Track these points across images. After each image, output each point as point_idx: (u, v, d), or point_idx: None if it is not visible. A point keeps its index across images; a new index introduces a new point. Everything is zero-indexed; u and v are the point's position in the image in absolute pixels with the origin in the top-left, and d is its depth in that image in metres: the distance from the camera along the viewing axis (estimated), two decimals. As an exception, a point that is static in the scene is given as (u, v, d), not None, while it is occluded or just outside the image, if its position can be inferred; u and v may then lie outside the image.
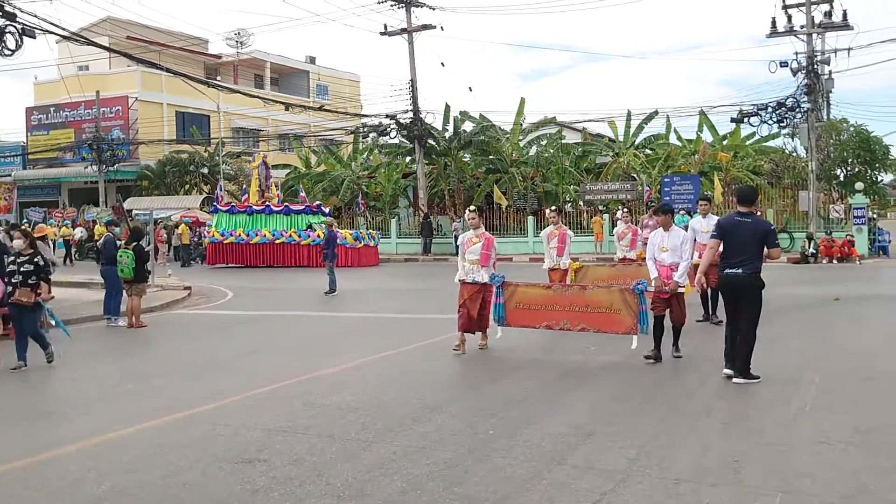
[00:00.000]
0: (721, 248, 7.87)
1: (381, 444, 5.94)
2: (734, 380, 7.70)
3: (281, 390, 7.93)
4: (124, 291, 13.52)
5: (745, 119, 30.65)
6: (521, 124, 37.30)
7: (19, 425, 6.98)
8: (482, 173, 36.55)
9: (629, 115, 36.49)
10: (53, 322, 11.49)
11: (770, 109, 29.42)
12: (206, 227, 30.20)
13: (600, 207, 32.56)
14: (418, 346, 10.49)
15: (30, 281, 9.57)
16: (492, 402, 7.26)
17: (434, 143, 35.57)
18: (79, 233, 35.08)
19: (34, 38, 17.26)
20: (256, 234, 27.96)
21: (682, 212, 25.77)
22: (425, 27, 33.57)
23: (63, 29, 20.62)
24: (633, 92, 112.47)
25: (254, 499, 4.90)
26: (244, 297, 18.12)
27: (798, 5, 28.27)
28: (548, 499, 4.80)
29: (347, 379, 8.42)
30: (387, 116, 34.84)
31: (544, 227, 13.44)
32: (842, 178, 30.23)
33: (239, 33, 48.69)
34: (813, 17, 28.12)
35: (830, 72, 29.66)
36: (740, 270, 7.64)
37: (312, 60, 55.09)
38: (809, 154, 29.18)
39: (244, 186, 32.95)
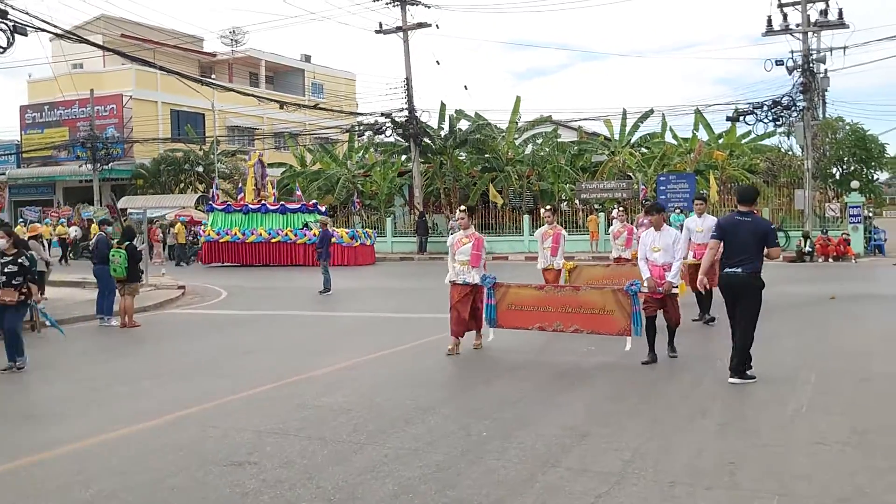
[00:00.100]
0: (722, 248, 7.83)
1: (373, 447, 5.87)
2: (730, 380, 7.65)
3: (273, 391, 7.86)
4: (117, 291, 13.45)
5: (741, 118, 30.60)
6: (517, 123, 37.22)
7: (7, 427, 6.89)
8: (478, 172, 36.50)
9: (625, 113, 36.46)
10: (48, 322, 11.43)
11: (766, 108, 29.37)
12: (202, 226, 30.09)
13: (596, 206, 32.51)
14: (412, 345, 10.42)
15: (14, 282, 9.40)
16: (486, 403, 7.20)
17: (429, 142, 35.51)
18: (73, 231, 34.95)
19: (26, 35, 17.14)
20: (252, 233, 27.89)
21: (677, 210, 25.81)
22: (420, 25, 33.48)
23: (55, 27, 20.50)
24: (628, 90, 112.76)
25: (243, 502, 4.84)
26: (238, 296, 18.04)
27: (794, 4, 28.22)
28: (541, 502, 4.74)
29: (340, 379, 8.36)
30: (382, 115, 34.76)
31: (540, 226, 13.37)
32: (838, 177, 30.27)
33: (234, 31, 48.52)
34: (808, 15, 28.07)
35: (826, 70, 29.60)
36: (740, 270, 7.59)
37: (308, 59, 54.92)
38: (805, 152, 29.16)
39: (240, 185, 32.85)
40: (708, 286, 8.92)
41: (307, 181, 38.02)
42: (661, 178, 30.28)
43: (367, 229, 30.88)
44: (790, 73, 28.33)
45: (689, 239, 11.59)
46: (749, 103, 30.26)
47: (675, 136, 37.46)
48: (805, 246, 25.60)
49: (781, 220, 29.48)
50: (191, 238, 31.37)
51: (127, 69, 41.87)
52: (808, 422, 6.34)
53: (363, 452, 5.75)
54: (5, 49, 16.47)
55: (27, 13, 17.82)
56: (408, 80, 34.03)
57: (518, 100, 36.85)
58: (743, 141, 36.09)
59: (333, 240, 25.02)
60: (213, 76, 48.11)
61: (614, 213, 14.85)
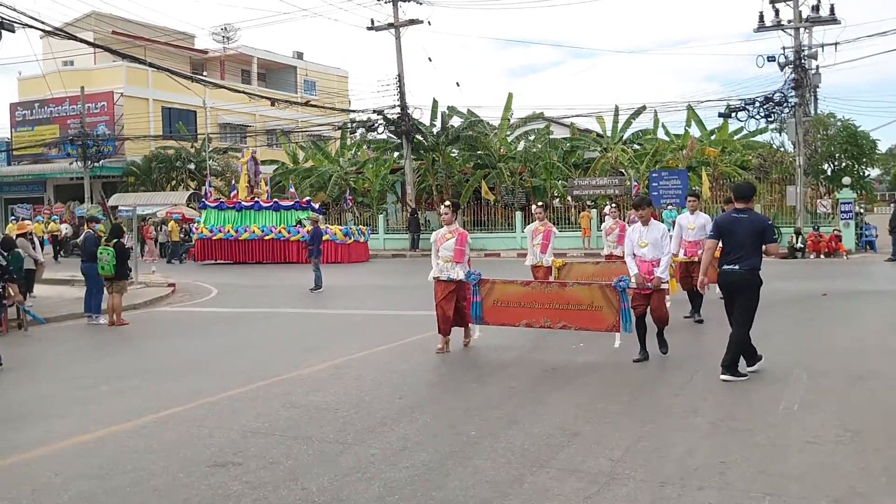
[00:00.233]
0: (721, 246, 7.76)
1: (359, 446, 5.78)
2: (721, 377, 7.58)
3: (260, 390, 7.76)
4: (105, 289, 13.32)
5: (733, 114, 30.57)
6: (509, 119, 37.16)
7: (-11, 428, 6.77)
8: (470, 168, 36.41)
9: (617, 110, 36.42)
10: (29, 317, 11.31)
11: (757, 104, 29.35)
12: (195, 224, 29.94)
13: (588, 202, 32.43)
14: (402, 343, 10.33)
15: None
16: (474, 402, 7.12)
17: (422, 139, 35.37)
18: (64, 229, 34.76)
19: (13, 31, 16.98)
20: (245, 231, 27.77)
21: (670, 207, 25.77)
22: (412, 22, 33.36)
23: (44, 24, 20.36)
24: (621, 87, 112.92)
25: (225, 505, 4.74)
26: (229, 294, 17.92)
27: (785, -1, 28.20)
28: None
29: (328, 378, 8.26)
30: (374, 112, 34.64)
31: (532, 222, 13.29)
32: (829, 173, 30.13)
33: (225, 28, 48.30)
34: (800, 11, 28.05)
35: (818, 66, 29.58)
36: (737, 267, 7.52)
37: (300, 56, 54.74)
38: (797, 149, 29.12)
39: (233, 182, 32.69)
40: (707, 286, 8.82)
41: (299, 178, 37.88)
42: (654, 175, 30.24)
43: (360, 226, 30.77)
44: (782, 70, 28.30)
45: (682, 236, 11.53)
46: (741, 100, 30.24)
47: (667, 133, 37.43)
48: (797, 242, 25.58)
49: (773, 216, 29.42)
50: (183, 235, 31.22)
51: (118, 66, 41.68)
52: (800, 420, 6.27)
53: (350, 452, 5.66)
54: (-8, 45, 16.31)
55: (14, 10, 17.67)
56: (400, 77, 33.91)
57: (510, 96, 36.82)
58: (735, 137, 36.08)
59: (326, 237, 24.96)
60: (204, 73, 47.94)
61: (606, 209, 14.76)
